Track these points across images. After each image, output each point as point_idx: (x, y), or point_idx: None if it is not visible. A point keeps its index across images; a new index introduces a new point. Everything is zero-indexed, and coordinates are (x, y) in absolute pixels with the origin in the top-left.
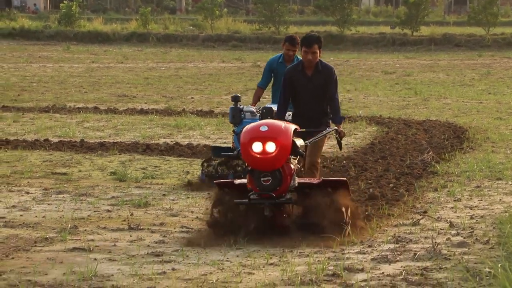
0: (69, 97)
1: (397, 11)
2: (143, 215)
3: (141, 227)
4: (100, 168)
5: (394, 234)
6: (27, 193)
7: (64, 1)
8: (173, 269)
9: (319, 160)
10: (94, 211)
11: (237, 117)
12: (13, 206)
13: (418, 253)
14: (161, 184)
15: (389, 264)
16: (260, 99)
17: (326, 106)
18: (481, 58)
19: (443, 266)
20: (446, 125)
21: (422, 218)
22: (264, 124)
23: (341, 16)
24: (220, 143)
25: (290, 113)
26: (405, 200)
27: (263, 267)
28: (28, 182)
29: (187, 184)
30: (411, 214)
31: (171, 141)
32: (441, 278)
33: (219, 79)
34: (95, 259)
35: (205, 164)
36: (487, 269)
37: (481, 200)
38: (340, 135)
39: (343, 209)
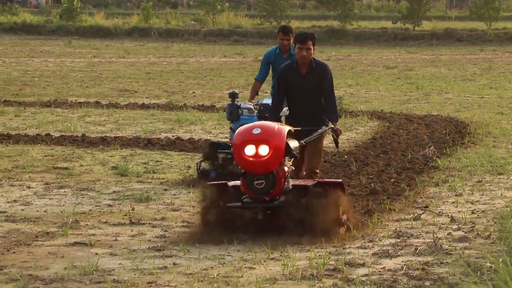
0: (70, 91)
1: (399, 5)
2: (144, 210)
3: (142, 222)
4: (101, 162)
5: (395, 229)
6: (29, 187)
7: None
8: (174, 264)
9: (318, 165)
10: (96, 206)
11: (234, 114)
12: (15, 201)
13: (419, 248)
14: (163, 178)
15: (390, 259)
16: (258, 93)
17: (322, 104)
18: (482, 52)
19: (444, 261)
20: (447, 119)
21: (423, 213)
22: (257, 126)
23: (343, 11)
24: (221, 138)
25: (286, 108)
26: (406, 195)
27: (264, 261)
28: (30, 176)
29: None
30: (412, 209)
31: (173, 136)
32: (442, 273)
33: (220, 73)
34: (96, 254)
35: (201, 163)
36: (488, 264)
37: (483, 194)
38: (336, 133)
39: (339, 212)
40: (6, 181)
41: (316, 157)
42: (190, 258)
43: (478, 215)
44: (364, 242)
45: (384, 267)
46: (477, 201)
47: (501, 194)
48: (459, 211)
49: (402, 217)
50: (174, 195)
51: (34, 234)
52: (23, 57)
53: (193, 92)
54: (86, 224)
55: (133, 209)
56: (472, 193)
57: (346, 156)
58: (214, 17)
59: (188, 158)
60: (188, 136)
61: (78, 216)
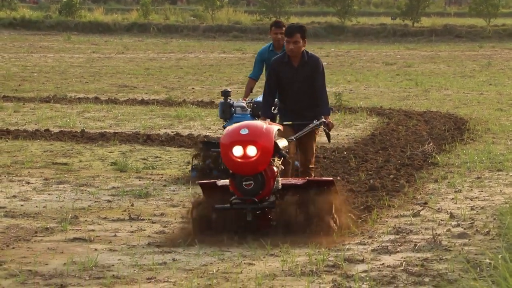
0: (69, 87)
1: (398, 2)
2: (143, 206)
3: (142, 218)
4: (100, 158)
5: (395, 225)
6: (28, 183)
7: None
8: (173, 260)
9: (313, 164)
10: (95, 202)
11: (227, 112)
12: (14, 196)
13: (419, 244)
14: (162, 174)
15: (390, 255)
16: (253, 91)
17: (314, 99)
18: (482, 49)
19: (444, 257)
20: (446, 116)
21: (422, 209)
22: (245, 126)
23: (342, 7)
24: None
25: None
26: (406, 191)
27: (264, 257)
28: (29, 172)
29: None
30: (411, 205)
31: (172, 132)
32: (441, 269)
33: (219, 69)
34: (96, 250)
35: (195, 160)
36: (488, 260)
37: (482, 191)
38: (328, 127)
39: (330, 211)
40: (5, 176)
41: (309, 154)
42: (190, 254)
43: (477, 211)
44: (364, 239)
45: (383, 263)
46: (476, 198)
47: (500, 191)
48: (458, 208)
49: (401, 214)
50: (173, 191)
51: (34, 230)
52: (22, 53)
53: (192, 88)
54: (86, 220)
55: (132, 205)
56: (471, 190)
57: (345, 152)
58: (213, 13)
59: (187, 154)
60: (188, 132)
61: (77, 212)
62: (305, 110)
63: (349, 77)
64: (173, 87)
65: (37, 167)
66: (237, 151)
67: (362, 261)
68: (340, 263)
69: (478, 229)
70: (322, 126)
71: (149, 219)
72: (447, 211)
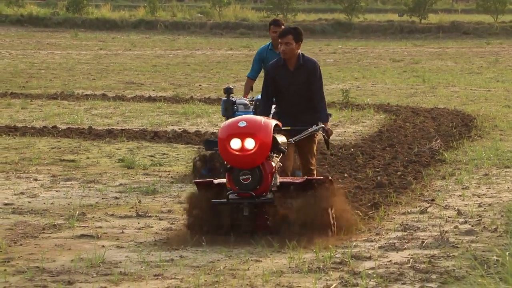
0: (77, 84)
1: None
2: (151, 202)
3: (149, 214)
4: (108, 155)
5: (402, 222)
6: (35, 179)
7: None
8: (180, 257)
9: (314, 164)
10: (102, 198)
11: (229, 110)
12: (22, 193)
13: (426, 241)
14: (169, 171)
15: (397, 252)
16: (253, 89)
17: (312, 103)
18: (489, 45)
19: (451, 254)
20: (454, 113)
21: (429, 206)
22: (243, 119)
23: (349, 4)
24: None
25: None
26: (413, 188)
27: (271, 254)
28: (36, 169)
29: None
30: (418, 202)
31: (179, 129)
32: (448, 266)
33: (227, 66)
34: (103, 246)
35: (198, 160)
36: (495, 257)
37: (489, 188)
38: (327, 134)
39: (328, 209)
40: (13, 173)
41: (309, 156)
42: (197, 251)
43: (484, 208)
44: (371, 235)
45: (390, 260)
46: (483, 195)
47: (508, 188)
48: (465, 204)
49: (409, 210)
50: (181, 187)
51: (41, 226)
52: (29, 50)
53: (200, 85)
54: (93, 217)
55: (139, 201)
56: (479, 187)
57: (352, 149)
58: (220, 10)
59: (194, 151)
60: (195, 129)
61: (85, 209)
62: (301, 114)
63: (356, 74)
64: (180, 84)
65: (44, 164)
66: (235, 143)
67: (369, 258)
68: (347, 260)
69: (486, 226)
70: (321, 133)
71: (156, 216)
72: (455, 208)
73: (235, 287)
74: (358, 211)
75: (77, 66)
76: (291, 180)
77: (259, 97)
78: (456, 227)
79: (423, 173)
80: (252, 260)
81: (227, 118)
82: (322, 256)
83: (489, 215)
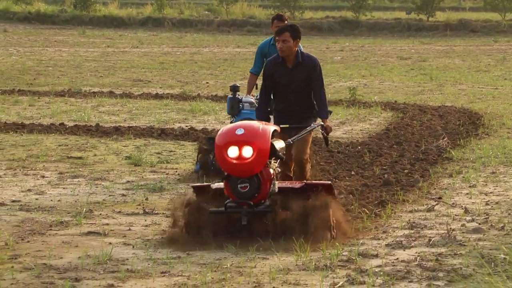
0: (84, 81)
1: None
2: (158, 200)
3: (156, 212)
4: (115, 152)
5: (409, 220)
6: (43, 176)
7: None
8: (187, 254)
9: (307, 156)
10: (109, 195)
11: (235, 108)
12: (29, 190)
13: (433, 239)
14: (176, 168)
15: (404, 250)
16: (257, 87)
17: (310, 100)
18: (497, 43)
19: (458, 252)
20: (461, 111)
21: (437, 204)
22: (241, 126)
23: (357, 1)
24: None
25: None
26: (420, 186)
27: (278, 252)
28: (44, 166)
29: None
30: (426, 200)
31: (186, 126)
32: (456, 264)
33: (234, 64)
34: (110, 243)
35: (200, 155)
36: (502, 255)
37: (496, 186)
38: (326, 131)
39: (328, 215)
40: (20, 170)
41: (303, 148)
42: (204, 248)
43: (492, 206)
44: (378, 233)
45: (397, 258)
46: (491, 193)
47: None
48: (473, 203)
49: (416, 208)
50: (188, 185)
51: (48, 224)
52: (37, 47)
53: (207, 82)
54: (100, 214)
55: (146, 199)
56: (486, 185)
57: (359, 147)
58: (227, 7)
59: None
60: (202, 126)
61: (92, 206)
62: (300, 112)
63: (363, 71)
64: (188, 82)
65: (52, 161)
66: (233, 152)
67: (376, 256)
68: (354, 258)
69: (493, 224)
70: (320, 130)
71: (163, 213)
72: (462, 206)
73: (242, 285)
74: (365, 209)
75: (85, 64)
76: (290, 186)
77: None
78: (463, 225)
79: (430, 171)
80: (259, 257)
81: (233, 116)
82: (329, 254)
83: (496, 213)
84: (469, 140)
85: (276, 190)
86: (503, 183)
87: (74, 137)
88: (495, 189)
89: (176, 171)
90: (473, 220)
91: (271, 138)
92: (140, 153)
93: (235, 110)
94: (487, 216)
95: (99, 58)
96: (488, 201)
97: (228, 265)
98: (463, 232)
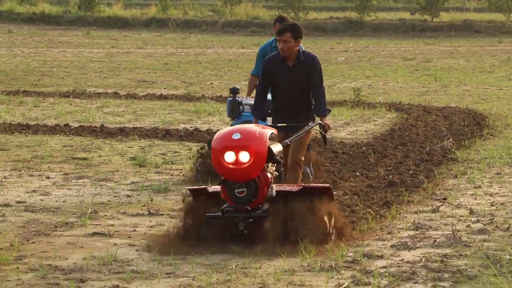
0: (89, 82)
1: None
2: (162, 201)
3: (161, 213)
4: (120, 153)
5: (414, 221)
6: (48, 177)
7: None
8: (192, 255)
9: (302, 159)
10: (114, 196)
11: (235, 110)
12: (34, 191)
13: (438, 240)
14: (181, 169)
15: (409, 251)
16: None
17: (310, 100)
18: (501, 44)
19: (463, 253)
20: (466, 111)
21: (442, 205)
22: (237, 131)
23: (361, 2)
24: None
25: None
26: (425, 187)
27: (283, 253)
28: (49, 166)
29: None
30: (430, 201)
31: (191, 127)
32: (461, 265)
33: (238, 64)
34: (115, 244)
35: (200, 160)
36: (508, 256)
37: (502, 187)
38: (324, 129)
39: (326, 218)
40: (25, 171)
41: (300, 149)
42: (209, 249)
43: (497, 207)
44: (383, 234)
45: (402, 259)
46: (496, 193)
47: None
48: (478, 203)
49: (421, 209)
50: (193, 185)
51: (53, 224)
52: (41, 48)
53: (211, 83)
54: (105, 215)
55: (151, 199)
56: (491, 185)
57: (364, 148)
58: (232, 8)
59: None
60: (206, 127)
61: (97, 207)
62: (300, 111)
63: (368, 72)
64: (192, 82)
65: (56, 161)
66: (229, 156)
67: (381, 256)
68: (359, 259)
69: (498, 225)
70: (318, 128)
71: (168, 214)
72: (467, 207)
73: (247, 286)
74: (370, 210)
75: (89, 64)
76: (288, 189)
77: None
78: (468, 226)
79: (435, 172)
80: (264, 258)
81: (233, 119)
82: (334, 255)
83: (502, 214)
84: (474, 141)
85: (274, 194)
86: (508, 184)
87: (78, 138)
88: (500, 190)
89: (181, 172)
90: (478, 221)
91: (268, 142)
92: (145, 154)
93: (235, 112)
94: (492, 217)
95: (103, 59)
96: (493, 202)
97: (233, 266)
98: (468, 233)
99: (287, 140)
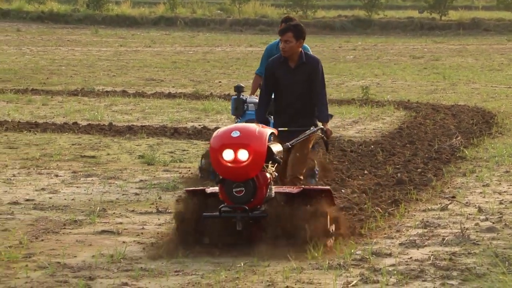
0: (97, 80)
1: None
2: (171, 199)
3: (169, 211)
4: (128, 151)
5: (422, 219)
6: (56, 175)
7: None
8: (200, 253)
9: (304, 171)
10: (123, 194)
11: (240, 108)
12: (43, 189)
13: (447, 238)
14: (189, 167)
15: (417, 249)
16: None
17: (312, 103)
18: (510, 42)
19: (472, 251)
20: (474, 110)
21: (450, 203)
22: (236, 129)
23: (369, 0)
24: None
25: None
26: (433, 185)
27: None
28: (57, 165)
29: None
30: (439, 199)
31: (199, 125)
32: (469, 263)
33: (246, 63)
34: (124, 242)
35: (203, 160)
36: None
37: (510, 185)
38: (326, 135)
39: (326, 221)
40: (34, 169)
41: (300, 162)
42: (217, 247)
43: (506, 205)
44: (391, 232)
45: (411, 257)
46: (504, 192)
47: None
48: (486, 202)
49: (429, 207)
50: (201, 184)
51: (62, 222)
52: (50, 46)
53: (219, 82)
54: (114, 213)
55: (160, 198)
56: (500, 184)
57: (372, 146)
58: (240, 6)
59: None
60: (214, 125)
61: (106, 205)
62: (301, 114)
63: (376, 70)
64: (200, 81)
65: (65, 160)
66: (228, 155)
67: (390, 255)
68: (367, 257)
69: (507, 223)
70: (320, 134)
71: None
72: (475, 205)
73: (256, 283)
74: (378, 208)
75: (97, 63)
76: (287, 191)
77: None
78: (477, 224)
79: (444, 170)
80: (272, 256)
81: (237, 117)
82: (343, 253)
83: (510, 212)
84: (483, 139)
85: (273, 195)
86: None
87: (87, 136)
88: (509, 188)
89: (189, 170)
90: (486, 219)
91: (268, 141)
92: (153, 152)
93: (240, 111)
94: (501, 215)
95: (112, 57)
96: (502, 200)
97: (242, 264)
98: (476, 231)
99: (288, 144)
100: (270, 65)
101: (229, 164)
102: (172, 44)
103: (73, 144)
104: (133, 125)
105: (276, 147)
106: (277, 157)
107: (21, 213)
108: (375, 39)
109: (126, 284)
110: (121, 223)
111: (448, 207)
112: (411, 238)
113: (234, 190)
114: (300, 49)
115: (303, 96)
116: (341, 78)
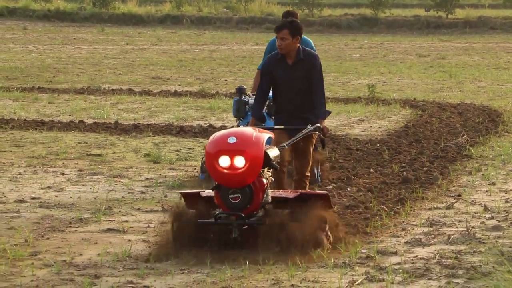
0: (103, 78)
1: None
2: (176, 197)
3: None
4: (134, 149)
5: (428, 218)
6: (62, 174)
7: None
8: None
9: (310, 167)
10: (128, 193)
11: (241, 110)
12: (48, 187)
13: (452, 236)
14: (195, 166)
15: (423, 248)
16: None
17: (310, 100)
18: None
19: (478, 250)
20: (480, 108)
21: (456, 202)
22: (232, 134)
23: None
24: None
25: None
26: (439, 184)
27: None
28: (63, 163)
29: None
30: (445, 197)
31: (205, 123)
32: (475, 261)
33: (252, 61)
34: (130, 240)
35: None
36: None
37: None
38: (323, 132)
39: (323, 227)
40: (40, 167)
41: (305, 161)
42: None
43: (511, 204)
44: (397, 231)
45: (416, 256)
46: (510, 190)
47: None
48: (492, 200)
49: (435, 206)
50: (207, 182)
51: (68, 220)
52: (56, 44)
53: (225, 80)
54: (119, 211)
55: (165, 196)
56: (506, 182)
57: (378, 145)
58: (246, 4)
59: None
60: (220, 123)
61: (111, 203)
62: (299, 111)
63: (382, 69)
64: (206, 79)
65: (71, 158)
66: (224, 161)
67: (395, 253)
68: (373, 255)
69: None
70: (317, 131)
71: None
72: (481, 204)
73: (261, 282)
74: (384, 206)
75: (104, 61)
76: (284, 195)
77: (271, 96)
78: (482, 222)
79: (450, 168)
80: (277, 255)
81: (239, 118)
82: (348, 252)
83: None
84: (489, 137)
85: (269, 200)
86: None
87: (93, 134)
88: None
89: (194, 169)
90: (492, 218)
91: (265, 146)
92: (159, 151)
93: (242, 112)
94: (506, 214)
95: (118, 55)
96: (508, 198)
97: (247, 263)
98: (482, 230)
99: (284, 144)
100: (267, 62)
101: (225, 171)
102: (178, 42)
103: (79, 142)
104: (139, 123)
105: (273, 152)
106: (274, 163)
107: (27, 211)
108: (381, 38)
109: (131, 282)
110: (126, 221)
111: (454, 205)
112: (416, 237)
113: (230, 196)
114: (298, 45)
115: (302, 92)
116: (347, 77)
